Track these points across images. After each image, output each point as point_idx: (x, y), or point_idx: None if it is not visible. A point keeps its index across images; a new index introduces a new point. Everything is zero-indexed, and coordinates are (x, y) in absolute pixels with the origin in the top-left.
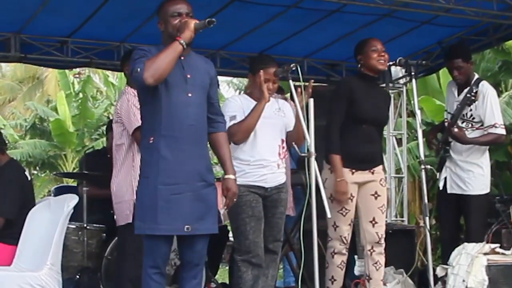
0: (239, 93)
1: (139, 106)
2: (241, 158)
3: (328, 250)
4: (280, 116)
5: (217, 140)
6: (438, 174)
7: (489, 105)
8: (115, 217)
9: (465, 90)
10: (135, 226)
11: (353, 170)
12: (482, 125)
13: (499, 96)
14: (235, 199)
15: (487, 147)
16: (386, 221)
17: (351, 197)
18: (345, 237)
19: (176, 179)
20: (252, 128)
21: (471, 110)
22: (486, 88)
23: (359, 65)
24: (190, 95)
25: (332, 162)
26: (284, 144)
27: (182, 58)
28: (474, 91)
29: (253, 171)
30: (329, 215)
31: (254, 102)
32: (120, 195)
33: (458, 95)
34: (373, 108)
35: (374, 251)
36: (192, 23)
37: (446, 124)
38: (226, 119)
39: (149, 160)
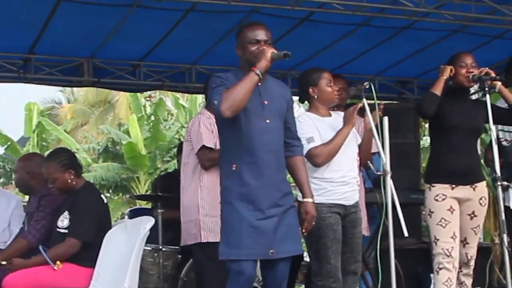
0: None
1: (210, 128)
2: (323, 176)
3: (434, 268)
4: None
5: (295, 164)
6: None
7: None
8: (182, 236)
9: None
10: (220, 252)
11: (453, 186)
12: None
13: None
14: (314, 222)
15: None
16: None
17: (451, 210)
18: (447, 250)
19: (260, 205)
20: (337, 151)
21: None
22: None
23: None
24: (268, 121)
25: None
26: (358, 158)
27: (259, 84)
28: None
29: (335, 188)
30: (405, 234)
31: (323, 118)
32: (187, 214)
33: None
34: (462, 117)
35: (461, 271)
36: (269, 52)
37: (504, 143)
38: (303, 141)
39: (232, 186)
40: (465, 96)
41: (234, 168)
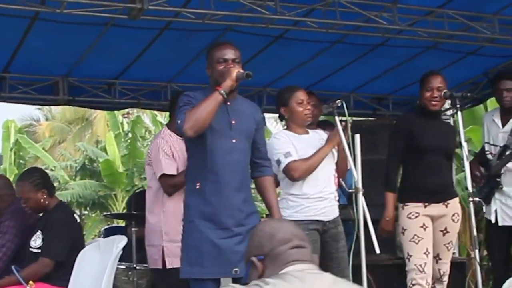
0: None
1: (170, 153)
2: (299, 193)
3: (407, 284)
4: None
5: (264, 185)
6: (484, 207)
7: None
8: (148, 259)
9: (511, 121)
10: (181, 270)
11: (426, 204)
12: None
13: None
14: None
15: None
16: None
17: (424, 226)
18: (420, 265)
19: (222, 224)
20: (315, 168)
21: None
22: None
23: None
24: (234, 141)
25: (386, 199)
26: (336, 174)
27: (228, 103)
28: None
29: (313, 204)
30: (377, 251)
31: (300, 136)
32: (151, 239)
33: (503, 126)
34: (435, 138)
35: (434, 287)
36: (235, 72)
37: (489, 156)
38: (280, 157)
39: (195, 204)
40: (438, 117)
41: (197, 187)
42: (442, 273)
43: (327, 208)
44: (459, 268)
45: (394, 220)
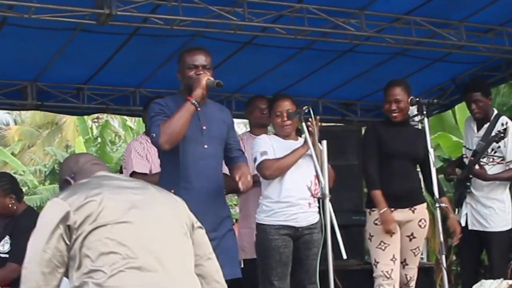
0: None
1: (143, 153)
2: (270, 196)
3: None
4: (309, 155)
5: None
6: (457, 210)
7: (510, 140)
8: None
9: (485, 126)
10: None
11: (392, 209)
12: (502, 160)
13: None
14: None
15: (509, 182)
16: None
17: (390, 233)
18: (387, 272)
19: None
20: (288, 168)
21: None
22: (507, 123)
23: None
24: (206, 146)
25: (374, 197)
26: (317, 182)
27: (199, 109)
28: (503, 128)
29: (282, 210)
30: (344, 256)
31: (283, 141)
32: None
33: (478, 130)
34: (401, 144)
35: None
36: (204, 80)
37: (465, 160)
38: (257, 155)
39: None
40: (406, 124)
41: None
42: (409, 278)
43: (299, 214)
44: (427, 273)
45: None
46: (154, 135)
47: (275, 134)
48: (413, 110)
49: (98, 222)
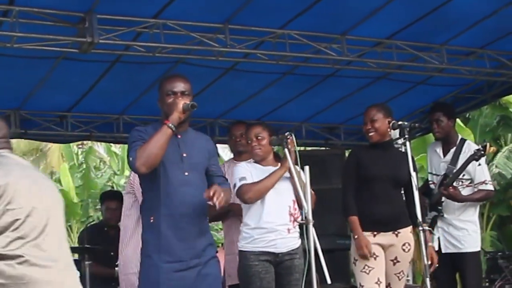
0: None
1: None
2: (249, 223)
3: None
4: (287, 178)
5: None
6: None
7: (478, 165)
8: None
9: (452, 150)
10: None
11: (375, 233)
12: (471, 183)
13: (498, 151)
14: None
15: (478, 204)
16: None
17: (375, 256)
18: None
19: (178, 257)
20: (267, 191)
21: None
22: (473, 147)
23: None
24: (186, 173)
25: (350, 224)
26: (296, 206)
27: (179, 136)
28: (483, 145)
29: (261, 236)
30: (328, 281)
31: (262, 167)
32: (129, 267)
33: (444, 155)
34: (382, 167)
35: None
36: (181, 104)
37: (432, 186)
38: (236, 182)
39: (151, 239)
40: (388, 148)
41: (151, 221)
42: None
43: (277, 240)
44: None
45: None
46: (131, 158)
47: (255, 161)
48: (396, 133)
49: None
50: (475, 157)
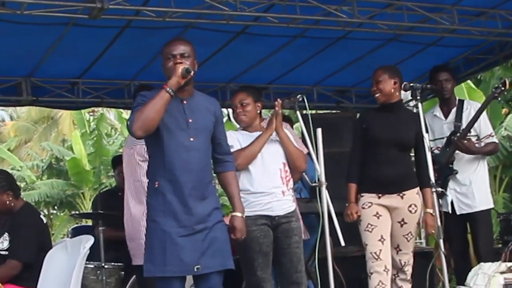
0: None
1: None
2: (242, 188)
3: (368, 274)
4: (276, 141)
5: (226, 179)
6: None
7: (482, 118)
8: (132, 252)
9: (453, 110)
10: (145, 269)
11: (380, 195)
12: (477, 138)
13: (509, 113)
14: (242, 236)
15: (486, 161)
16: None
17: (377, 215)
18: (375, 253)
19: (183, 222)
20: (255, 155)
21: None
22: (474, 104)
23: None
24: (192, 139)
25: (348, 189)
26: (287, 168)
27: (185, 102)
28: (502, 82)
29: (258, 200)
30: (342, 243)
31: (250, 133)
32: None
33: (446, 117)
34: (388, 130)
35: (398, 276)
36: (180, 69)
37: (436, 151)
38: None
39: (156, 204)
40: (396, 110)
41: (156, 186)
42: (403, 263)
43: (273, 203)
44: (426, 258)
45: (356, 206)
46: (128, 122)
47: (242, 128)
48: (408, 95)
49: None
50: (495, 94)
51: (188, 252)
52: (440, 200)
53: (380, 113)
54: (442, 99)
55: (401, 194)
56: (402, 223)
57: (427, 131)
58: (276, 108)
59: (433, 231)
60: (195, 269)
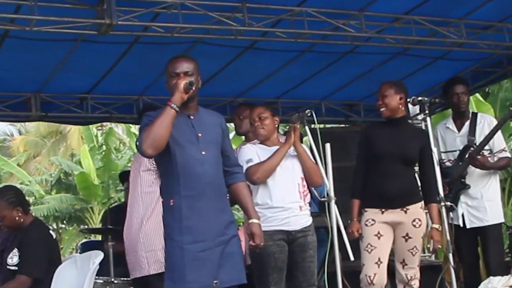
0: None
1: None
2: (260, 203)
3: None
4: (294, 155)
5: (237, 191)
6: (451, 213)
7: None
8: (144, 265)
9: (466, 123)
10: (166, 287)
11: (383, 210)
12: (490, 153)
13: None
14: (262, 243)
15: (498, 176)
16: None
17: (379, 235)
18: (370, 277)
19: (200, 237)
20: (274, 169)
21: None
22: (487, 117)
23: None
24: (203, 153)
25: (351, 206)
26: (305, 183)
27: (192, 117)
28: None
29: (275, 215)
30: (351, 258)
31: (268, 148)
32: (152, 244)
33: (459, 130)
34: (391, 145)
35: None
36: (182, 84)
37: (448, 163)
38: (243, 164)
39: (172, 221)
40: (401, 125)
41: (171, 203)
42: (409, 277)
43: (290, 218)
44: (435, 271)
45: (359, 222)
46: (137, 143)
47: (260, 142)
48: (416, 109)
49: None
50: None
51: (207, 268)
52: (451, 213)
53: (385, 127)
54: (457, 112)
55: (404, 209)
56: (406, 237)
57: (436, 145)
58: (295, 125)
59: (440, 246)
60: (214, 284)
